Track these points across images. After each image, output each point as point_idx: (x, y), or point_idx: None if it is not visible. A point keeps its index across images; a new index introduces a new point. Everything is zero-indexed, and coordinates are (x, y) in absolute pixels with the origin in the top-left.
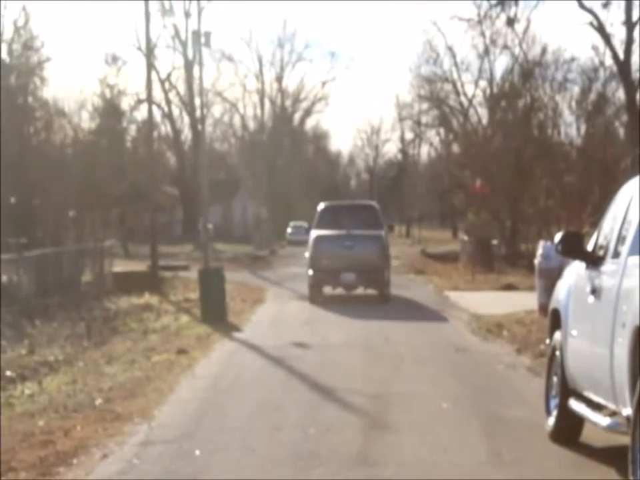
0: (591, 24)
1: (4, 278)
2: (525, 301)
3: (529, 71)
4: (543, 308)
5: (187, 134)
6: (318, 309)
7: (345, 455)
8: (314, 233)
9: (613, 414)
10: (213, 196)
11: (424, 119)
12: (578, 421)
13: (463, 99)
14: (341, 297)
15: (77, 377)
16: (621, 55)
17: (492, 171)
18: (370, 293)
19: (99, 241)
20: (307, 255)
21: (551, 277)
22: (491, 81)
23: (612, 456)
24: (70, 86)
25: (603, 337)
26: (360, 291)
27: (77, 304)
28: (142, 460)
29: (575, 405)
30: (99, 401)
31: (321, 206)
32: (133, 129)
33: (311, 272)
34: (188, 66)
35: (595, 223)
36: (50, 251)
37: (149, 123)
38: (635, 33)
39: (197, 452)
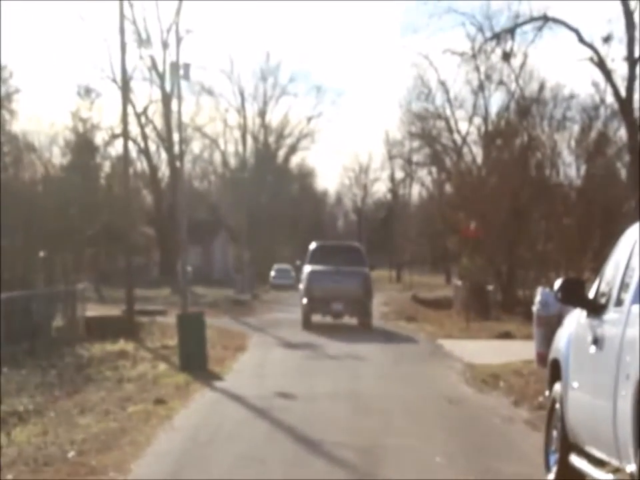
0: (591, 59)
1: None
2: (522, 351)
3: (526, 108)
4: (542, 358)
5: (164, 171)
6: (304, 357)
7: None
8: (308, 268)
9: (616, 470)
10: (192, 237)
11: (415, 158)
12: (579, 478)
13: (456, 136)
14: (328, 343)
15: (47, 428)
16: (623, 92)
17: (487, 213)
18: (359, 335)
19: (70, 283)
20: (300, 286)
21: (550, 325)
22: (485, 118)
23: None
24: (41, 119)
25: (605, 389)
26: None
27: (47, 350)
28: None
29: (576, 460)
30: (71, 454)
31: (313, 245)
32: (107, 166)
33: (305, 300)
34: (166, 99)
35: (596, 269)
36: (18, 294)
37: (124, 159)
38: (637, 70)
39: None
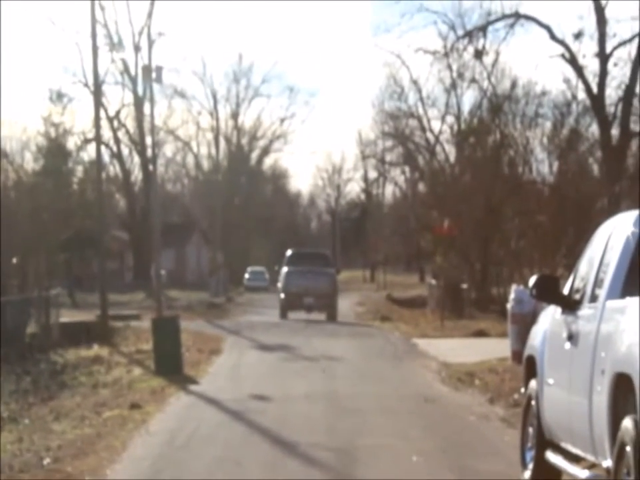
0: (563, 56)
1: None
2: (497, 348)
3: (498, 106)
4: (517, 355)
5: (137, 175)
6: (279, 359)
7: None
8: (285, 269)
9: (592, 466)
10: (165, 240)
11: (388, 157)
12: (555, 474)
13: (429, 135)
14: (303, 345)
15: (23, 435)
16: (594, 88)
17: (460, 211)
18: (334, 336)
19: (44, 289)
20: (279, 285)
21: (525, 322)
22: (458, 117)
23: None
24: (12, 125)
25: (580, 385)
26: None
27: (21, 357)
28: None
29: (552, 457)
30: (47, 461)
31: (289, 252)
32: (79, 170)
33: (282, 295)
34: (138, 103)
35: (570, 265)
36: None
37: (97, 163)
38: (609, 66)
39: None
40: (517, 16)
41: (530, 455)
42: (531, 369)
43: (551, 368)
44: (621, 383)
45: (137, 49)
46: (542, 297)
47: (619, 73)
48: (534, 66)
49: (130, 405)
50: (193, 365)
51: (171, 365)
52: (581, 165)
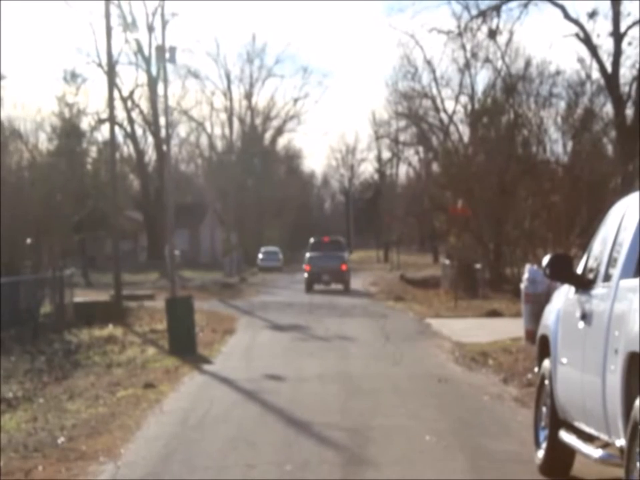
0: (577, 35)
1: None
2: (510, 328)
3: (512, 86)
4: (530, 335)
5: (151, 155)
6: (292, 339)
7: None
8: (308, 254)
9: (605, 445)
10: (179, 221)
11: (402, 137)
12: (569, 453)
13: (442, 115)
14: (316, 325)
15: (37, 414)
16: (609, 68)
17: (474, 191)
18: (346, 316)
19: (58, 269)
20: (304, 266)
21: (538, 302)
22: (472, 97)
23: None
24: (26, 105)
25: (594, 364)
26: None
27: (35, 337)
28: None
29: (565, 436)
30: (61, 440)
31: (312, 240)
32: (93, 151)
33: (306, 275)
34: (152, 83)
35: (584, 245)
36: (5, 281)
37: (111, 144)
38: (623, 45)
39: None
40: None
41: (543, 434)
42: (544, 348)
43: (564, 347)
44: (635, 361)
45: (150, 29)
46: (555, 276)
47: (633, 52)
48: (548, 45)
49: (144, 385)
50: (207, 344)
51: (184, 345)
52: (595, 145)
